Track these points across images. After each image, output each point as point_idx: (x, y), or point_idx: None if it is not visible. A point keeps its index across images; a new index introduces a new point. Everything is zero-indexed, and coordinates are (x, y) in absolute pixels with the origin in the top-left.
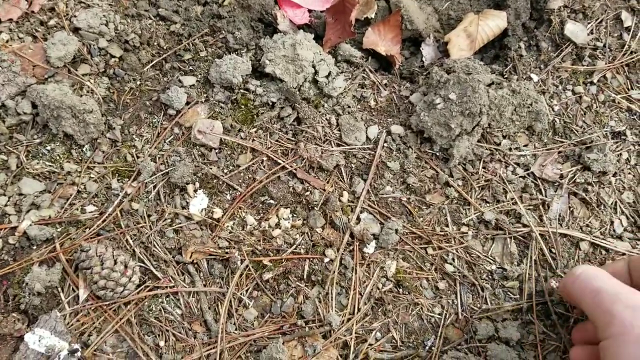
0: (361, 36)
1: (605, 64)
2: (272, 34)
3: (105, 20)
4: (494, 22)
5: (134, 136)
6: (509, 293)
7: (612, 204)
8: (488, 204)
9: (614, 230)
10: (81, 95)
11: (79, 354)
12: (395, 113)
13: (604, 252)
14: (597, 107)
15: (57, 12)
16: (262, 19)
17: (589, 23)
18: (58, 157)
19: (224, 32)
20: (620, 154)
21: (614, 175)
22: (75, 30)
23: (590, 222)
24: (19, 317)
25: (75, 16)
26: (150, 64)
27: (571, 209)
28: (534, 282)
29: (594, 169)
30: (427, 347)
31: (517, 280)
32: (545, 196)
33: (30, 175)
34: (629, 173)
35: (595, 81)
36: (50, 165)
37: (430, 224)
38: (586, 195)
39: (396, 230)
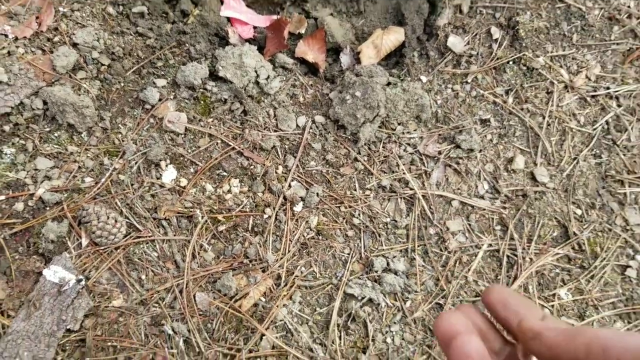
0: (294, 47)
1: (477, 67)
2: (225, 45)
3: (96, 37)
4: (395, 36)
5: (120, 125)
6: (398, 238)
7: (476, 172)
8: (385, 174)
9: (477, 192)
10: (79, 95)
11: (82, 282)
12: (318, 106)
13: (469, 208)
14: (469, 101)
15: (60, 31)
16: (217, 34)
17: (466, 36)
18: (63, 142)
19: (187, 45)
20: (485, 136)
21: (480, 151)
22: (74, 44)
23: (460, 186)
24: (38, 258)
25: (74, 34)
26: (132, 70)
27: (446, 176)
28: (417, 230)
29: (463, 147)
30: (338, 277)
31: (404, 229)
32: (427, 167)
33: (42, 155)
34: (491, 150)
35: (469, 81)
36: (57, 148)
37: (343, 189)
38: (457, 166)
39: (317, 194)
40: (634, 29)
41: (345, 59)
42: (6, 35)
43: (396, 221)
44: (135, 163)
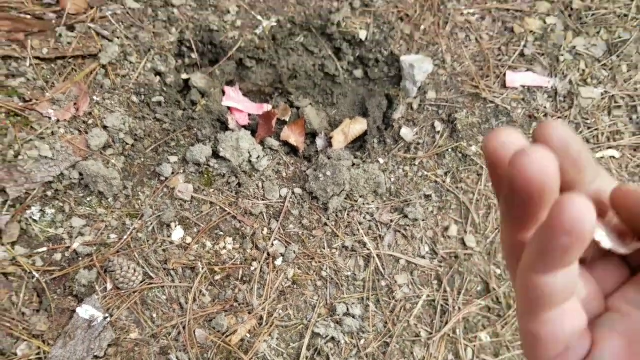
0: (280, 131)
1: (423, 153)
2: (225, 130)
3: (123, 121)
4: (360, 126)
5: (139, 193)
6: (357, 288)
7: (420, 237)
8: (348, 236)
9: (420, 253)
10: (108, 168)
11: (108, 319)
12: (297, 181)
13: (413, 266)
14: (416, 179)
15: (93, 115)
16: (219, 120)
17: (415, 128)
18: (94, 205)
19: (195, 129)
20: (428, 208)
21: (423, 220)
22: (105, 127)
23: (406, 248)
24: (73, 299)
25: (105, 118)
26: (150, 148)
27: (396, 240)
28: (371, 282)
29: (410, 217)
30: (308, 319)
31: (362, 281)
32: (381, 232)
33: (77, 216)
34: (432, 220)
35: (416, 164)
36: (89, 210)
37: (315, 248)
38: (405, 232)
39: (294, 251)
40: None
41: (320, 142)
42: (50, 118)
43: (355, 275)
44: (151, 224)
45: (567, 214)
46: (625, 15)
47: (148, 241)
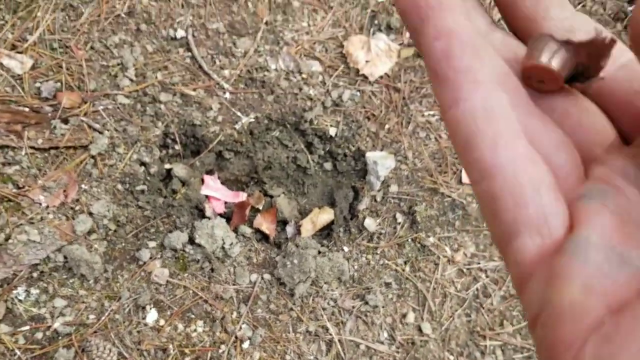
0: (254, 218)
1: (385, 243)
2: (202, 218)
3: (107, 208)
4: (327, 215)
5: (119, 276)
6: None
7: (379, 324)
8: (312, 321)
9: (379, 339)
10: (91, 252)
11: None
12: (267, 267)
13: (373, 351)
14: (378, 268)
15: (80, 202)
16: (197, 207)
17: (378, 219)
18: (76, 287)
19: (174, 216)
20: (388, 295)
21: (382, 307)
22: (90, 213)
23: (367, 333)
24: None
25: (91, 205)
26: (131, 234)
27: (357, 325)
28: None
29: (370, 303)
30: None
31: None
32: (343, 318)
33: (59, 296)
34: (391, 307)
35: (378, 253)
36: (71, 291)
37: (280, 332)
38: (365, 318)
39: (260, 335)
40: None
41: (290, 229)
42: (40, 204)
43: (317, 359)
44: (128, 306)
45: None
46: None
47: (124, 322)
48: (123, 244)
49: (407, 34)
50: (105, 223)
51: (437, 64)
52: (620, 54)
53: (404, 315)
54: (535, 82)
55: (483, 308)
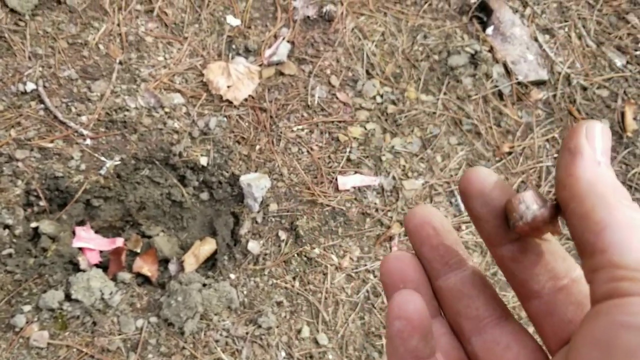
0: (133, 263)
1: (271, 262)
2: (77, 271)
3: None
4: (209, 246)
5: None
6: None
7: (275, 344)
8: (207, 355)
9: None
10: None
11: None
12: (152, 309)
13: None
14: (267, 289)
15: None
16: (71, 261)
17: (261, 240)
18: None
19: (46, 275)
20: (280, 314)
21: (277, 327)
22: None
23: (264, 357)
24: None
25: None
26: (3, 301)
27: (253, 351)
28: None
29: (264, 326)
30: None
31: None
32: (238, 346)
33: None
34: (285, 324)
35: (266, 273)
36: None
37: None
38: (261, 342)
39: None
40: (381, 219)
41: (172, 267)
42: None
43: None
44: None
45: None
46: (434, 113)
47: None
48: None
49: (267, 54)
50: None
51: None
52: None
53: (299, 331)
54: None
55: (375, 308)
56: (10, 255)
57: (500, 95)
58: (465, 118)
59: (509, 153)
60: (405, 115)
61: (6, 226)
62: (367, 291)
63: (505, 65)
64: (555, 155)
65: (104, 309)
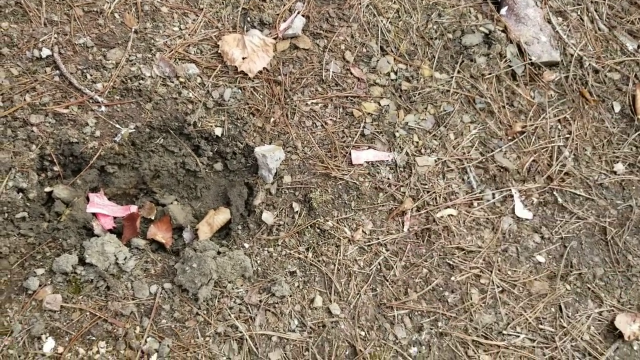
0: (147, 229)
1: (285, 233)
2: (91, 236)
3: None
4: (223, 215)
5: (8, 309)
6: None
7: (288, 313)
8: (220, 322)
9: (290, 327)
10: None
11: None
12: (166, 276)
13: (285, 340)
14: (280, 259)
15: None
16: (85, 226)
17: (275, 211)
18: None
19: (60, 239)
20: (294, 284)
21: (290, 296)
22: None
23: (277, 324)
24: None
25: None
26: (17, 263)
27: (267, 318)
28: None
29: (277, 295)
30: None
31: None
32: (252, 313)
33: None
34: (298, 294)
35: (279, 244)
36: None
37: (188, 338)
38: (274, 310)
39: (168, 345)
40: (393, 194)
41: (187, 235)
42: None
43: (230, 358)
44: (21, 339)
45: None
46: (447, 91)
47: (19, 357)
48: (9, 276)
49: (282, 27)
50: None
51: None
52: None
53: (312, 301)
54: None
55: (387, 280)
56: (23, 218)
57: (513, 75)
58: (479, 97)
59: (521, 132)
60: (419, 93)
61: (20, 190)
62: (379, 264)
63: (518, 46)
64: (567, 135)
65: (118, 274)
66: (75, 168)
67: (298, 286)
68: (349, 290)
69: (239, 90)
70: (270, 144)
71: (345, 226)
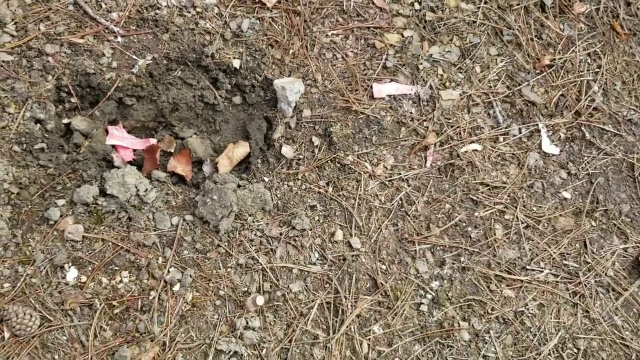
0: (167, 162)
1: (304, 168)
2: (111, 168)
3: (6, 172)
4: (243, 149)
5: (30, 239)
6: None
7: (309, 246)
8: (241, 254)
9: (311, 260)
10: None
11: None
12: (187, 208)
13: (306, 273)
14: (300, 193)
15: None
16: (105, 158)
17: (295, 145)
18: None
19: (80, 170)
20: (314, 218)
21: (310, 230)
22: None
23: (298, 257)
24: None
25: None
26: (37, 194)
27: (287, 251)
28: (267, 294)
29: (297, 228)
30: (210, 338)
31: (257, 292)
32: (272, 246)
33: None
34: (318, 228)
35: (299, 178)
36: None
37: (210, 269)
38: (295, 242)
39: (190, 275)
40: (416, 129)
41: (206, 168)
42: None
43: (251, 290)
44: (44, 268)
45: None
46: (474, 22)
47: (43, 285)
48: (29, 206)
49: None
50: (6, 187)
51: None
52: None
53: (333, 234)
54: None
55: (409, 215)
56: (42, 149)
57: (542, 6)
58: (506, 28)
59: (550, 66)
60: (445, 23)
61: (38, 120)
62: (401, 199)
63: None
64: (596, 70)
65: (139, 205)
66: (93, 100)
67: (318, 220)
68: (370, 225)
69: (257, 21)
70: (289, 76)
71: (366, 161)
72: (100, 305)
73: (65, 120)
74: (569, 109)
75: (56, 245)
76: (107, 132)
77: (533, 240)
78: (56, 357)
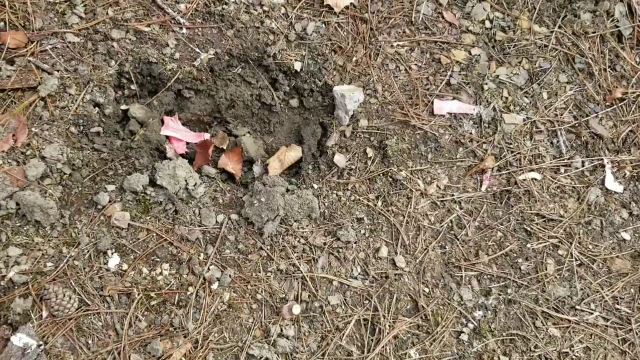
0: (218, 158)
1: (355, 178)
2: (163, 159)
3: (61, 152)
4: (295, 153)
5: (77, 221)
6: None
7: (352, 259)
8: (283, 260)
9: (352, 274)
10: (45, 197)
11: (42, 347)
12: (234, 207)
13: (346, 286)
14: (349, 204)
15: (31, 146)
16: (158, 148)
17: (348, 155)
18: (31, 234)
19: (133, 158)
20: (360, 231)
21: (355, 243)
22: (43, 157)
23: (339, 269)
24: (7, 327)
25: (43, 148)
26: (88, 177)
27: (329, 262)
28: (305, 304)
29: (342, 239)
30: (243, 341)
31: (294, 300)
32: (315, 255)
33: (13, 245)
34: (363, 242)
35: (349, 188)
36: (26, 239)
37: (250, 271)
38: (338, 254)
39: (230, 275)
40: (474, 150)
41: (257, 169)
42: None
43: (287, 297)
44: (88, 252)
45: None
46: (545, 46)
47: (84, 269)
48: (80, 188)
49: None
50: (60, 167)
51: None
52: None
53: (377, 250)
54: None
55: (458, 239)
56: (98, 133)
57: (619, 36)
58: (579, 56)
59: (621, 99)
60: (515, 45)
61: (96, 104)
62: (451, 221)
63: (629, 5)
64: None
65: (187, 199)
66: (152, 89)
67: (364, 234)
68: (417, 245)
69: (323, 25)
70: (349, 84)
71: (419, 178)
72: (138, 295)
73: (123, 107)
74: (638, 146)
75: (102, 230)
76: (162, 122)
77: (586, 279)
78: (90, 342)
